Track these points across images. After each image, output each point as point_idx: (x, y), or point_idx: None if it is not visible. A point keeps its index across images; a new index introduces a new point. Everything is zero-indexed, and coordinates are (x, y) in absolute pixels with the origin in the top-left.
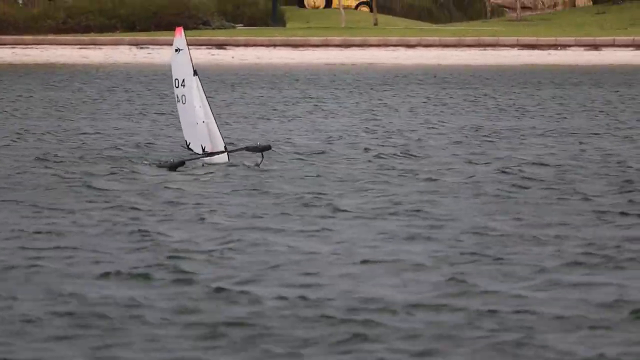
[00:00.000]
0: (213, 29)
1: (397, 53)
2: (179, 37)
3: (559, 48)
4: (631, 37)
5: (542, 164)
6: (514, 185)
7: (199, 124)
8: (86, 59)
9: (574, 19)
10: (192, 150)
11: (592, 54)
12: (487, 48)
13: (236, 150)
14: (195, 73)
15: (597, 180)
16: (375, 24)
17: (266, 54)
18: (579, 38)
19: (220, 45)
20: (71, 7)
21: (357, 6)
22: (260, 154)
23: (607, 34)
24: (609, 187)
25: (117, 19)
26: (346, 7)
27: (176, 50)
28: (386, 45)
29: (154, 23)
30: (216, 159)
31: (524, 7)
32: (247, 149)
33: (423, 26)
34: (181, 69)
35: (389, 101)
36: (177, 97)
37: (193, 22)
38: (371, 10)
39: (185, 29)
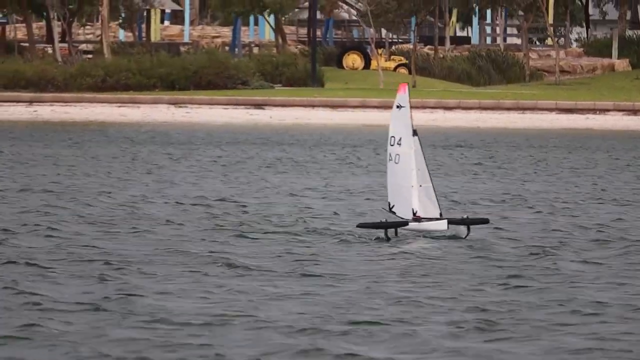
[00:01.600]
0: (252, 88)
1: (435, 115)
2: (403, 93)
3: (598, 112)
4: None
5: None
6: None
7: (414, 186)
8: (124, 117)
9: (613, 84)
10: (394, 213)
11: (631, 119)
12: (525, 111)
13: (455, 220)
14: (415, 133)
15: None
16: (414, 86)
17: (304, 114)
18: (617, 103)
19: (259, 105)
20: (109, 65)
21: (395, 68)
22: (468, 227)
23: None
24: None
25: (156, 79)
26: (385, 69)
27: (397, 107)
28: (424, 107)
29: (193, 82)
30: (430, 225)
31: (562, 71)
32: (466, 221)
33: (462, 89)
34: (400, 126)
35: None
36: (390, 155)
37: (232, 82)
38: (409, 72)
39: (224, 88)
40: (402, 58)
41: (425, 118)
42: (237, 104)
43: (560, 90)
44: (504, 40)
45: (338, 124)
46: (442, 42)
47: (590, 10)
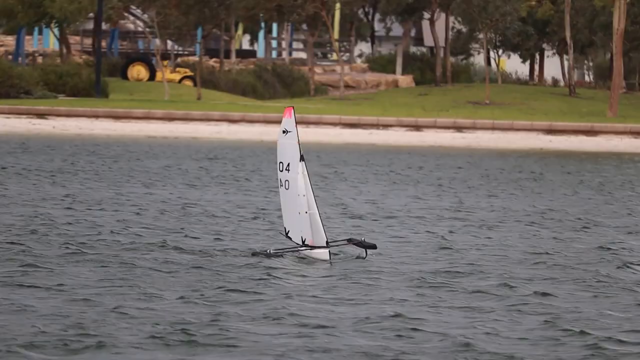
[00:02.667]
0: (35, 98)
1: (220, 128)
2: (289, 117)
3: (381, 127)
4: (452, 119)
5: None
6: None
7: (301, 213)
8: None
9: (397, 99)
10: (290, 239)
11: (414, 135)
12: (309, 125)
13: (338, 244)
14: (302, 158)
15: None
16: (199, 98)
17: (88, 124)
18: (400, 118)
19: (42, 115)
20: None
21: (181, 80)
22: (364, 251)
23: (428, 115)
24: None
25: None
26: (170, 81)
27: (284, 132)
28: (209, 119)
29: None
30: (316, 253)
31: (347, 86)
32: (351, 242)
33: (247, 102)
34: (288, 152)
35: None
36: (281, 181)
37: (15, 91)
38: (195, 85)
39: (7, 97)
40: (188, 70)
41: (210, 130)
42: (19, 113)
43: (345, 105)
44: (290, 54)
45: (122, 135)
46: (228, 55)
47: (376, 26)
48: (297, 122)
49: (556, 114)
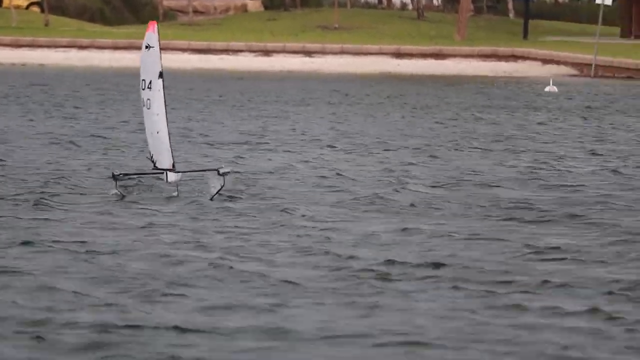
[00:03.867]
0: None
1: (69, 54)
2: (151, 32)
3: (230, 53)
4: (301, 44)
5: None
6: None
7: (153, 134)
8: None
9: (246, 25)
10: (154, 165)
11: (263, 60)
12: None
13: (189, 171)
14: (160, 75)
15: None
16: (47, 25)
17: None
18: (249, 43)
19: None
20: None
21: (28, 6)
22: (221, 178)
23: (277, 40)
24: None
25: None
26: (17, 7)
27: (146, 47)
28: (56, 46)
29: None
30: (165, 176)
31: (196, 12)
32: (204, 170)
33: (95, 28)
34: (150, 68)
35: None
36: (143, 101)
37: None
38: (42, 11)
39: None
40: None
41: (58, 57)
42: None
43: (194, 30)
44: None
45: None
46: None
47: None
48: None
49: (405, 38)
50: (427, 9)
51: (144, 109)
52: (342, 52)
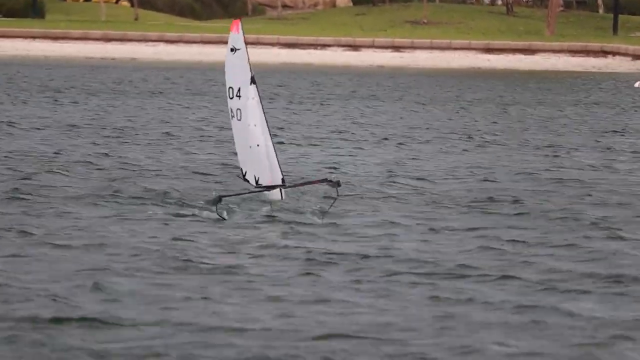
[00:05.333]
0: None
1: (158, 48)
2: (236, 32)
3: (319, 48)
4: (390, 39)
5: None
6: None
7: (252, 147)
8: None
9: (334, 19)
10: (248, 182)
11: (351, 55)
12: (248, 45)
13: (297, 185)
14: (252, 81)
15: None
16: (136, 19)
17: (24, 45)
18: (338, 38)
19: None
20: None
21: (117, 0)
22: (335, 190)
23: (366, 35)
24: None
25: None
26: (107, 1)
27: (232, 50)
28: (146, 40)
29: None
30: (271, 194)
31: (284, 6)
32: (313, 182)
33: (184, 22)
34: (238, 74)
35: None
36: (232, 111)
37: None
38: (132, 5)
39: None
40: None
41: (147, 51)
42: None
43: (282, 25)
44: None
45: (60, 56)
46: None
47: None
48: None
49: (494, 33)
50: (516, 4)
51: (233, 120)
52: (432, 47)
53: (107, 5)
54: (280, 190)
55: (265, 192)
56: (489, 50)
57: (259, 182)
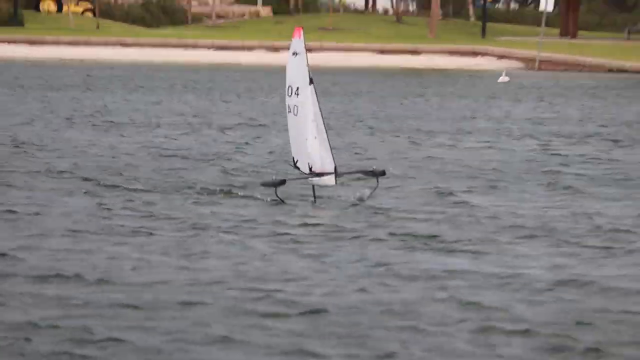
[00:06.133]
0: None
1: (116, 51)
2: (298, 38)
3: (246, 50)
4: None
5: None
6: None
7: (308, 139)
8: None
9: (258, 27)
10: (299, 169)
11: (272, 56)
12: (188, 48)
13: (348, 173)
14: (311, 81)
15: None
16: (98, 27)
17: (7, 49)
18: (261, 42)
19: None
20: None
21: (83, 12)
22: (375, 180)
23: (284, 40)
24: None
25: None
26: (74, 13)
27: (293, 54)
28: (107, 44)
29: None
30: (324, 180)
31: (218, 16)
32: (361, 172)
33: (137, 29)
34: (297, 75)
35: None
36: (289, 107)
37: None
38: (94, 16)
39: None
40: (88, 3)
41: (109, 53)
42: None
43: (216, 31)
44: None
45: (37, 58)
46: None
47: None
48: (176, 46)
49: (387, 38)
50: (404, 13)
51: (290, 115)
52: (337, 49)
53: (74, 16)
54: (335, 176)
55: (319, 178)
56: (383, 51)
57: (312, 170)
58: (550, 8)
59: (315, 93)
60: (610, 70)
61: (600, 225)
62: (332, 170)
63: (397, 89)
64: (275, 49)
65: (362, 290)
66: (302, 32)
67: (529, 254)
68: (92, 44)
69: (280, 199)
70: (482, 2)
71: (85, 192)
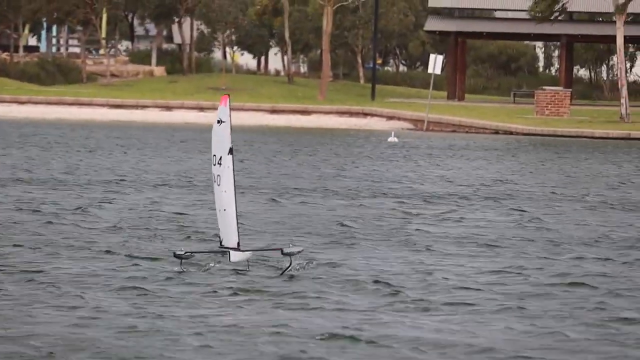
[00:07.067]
0: None
1: (11, 108)
2: (224, 106)
3: (140, 108)
4: (196, 102)
5: None
6: None
7: (220, 211)
8: None
9: (152, 86)
10: (220, 242)
11: (166, 114)
12: (83, 106)
13: (253, 250)
14: (230, 151)
15: None
16: None
17: None
18: (155, 100)
19: None
20: None
21: None
22: (288, 258)
23: (177, 98)
24: None
25: None
26: None
27: (218, 122)
28: (2, 101)
29: None
30: (233, 255)
31: (113, 75)
32: (270, 250)
33: (32, 87)
34: (221, 143)
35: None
36: (214, 176)
37: None
38: None
39: None
40: None
41: (3, 110)
42: None
43: (111, 90)
44: (67, 49)
45: None
46: (17, 50)
47: (136, 28)
48: (73, 104)
49: (278, 98)
50: (295, 75)
51: (214, 185)
52: (230, 108)
53: None
54: (229, 253)
55: (226, 253)
56: (274, 111)
57: (222, 244)
58: (438, 71)
59: (233, 163)
60: (497, 132)
61: (438, 280)
62: (235, 245)
63: (273, 148)
64: (169, 108)
65: None
66: (228, 100)
67: (351, 307)
68: None
69: (182, 270)
70: (371, 64)
71: None
